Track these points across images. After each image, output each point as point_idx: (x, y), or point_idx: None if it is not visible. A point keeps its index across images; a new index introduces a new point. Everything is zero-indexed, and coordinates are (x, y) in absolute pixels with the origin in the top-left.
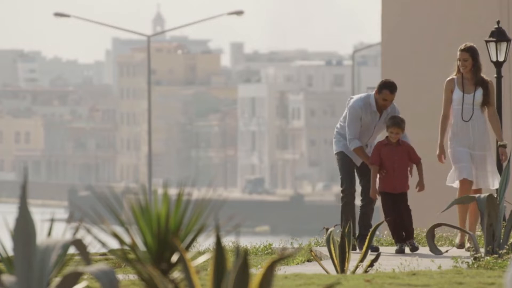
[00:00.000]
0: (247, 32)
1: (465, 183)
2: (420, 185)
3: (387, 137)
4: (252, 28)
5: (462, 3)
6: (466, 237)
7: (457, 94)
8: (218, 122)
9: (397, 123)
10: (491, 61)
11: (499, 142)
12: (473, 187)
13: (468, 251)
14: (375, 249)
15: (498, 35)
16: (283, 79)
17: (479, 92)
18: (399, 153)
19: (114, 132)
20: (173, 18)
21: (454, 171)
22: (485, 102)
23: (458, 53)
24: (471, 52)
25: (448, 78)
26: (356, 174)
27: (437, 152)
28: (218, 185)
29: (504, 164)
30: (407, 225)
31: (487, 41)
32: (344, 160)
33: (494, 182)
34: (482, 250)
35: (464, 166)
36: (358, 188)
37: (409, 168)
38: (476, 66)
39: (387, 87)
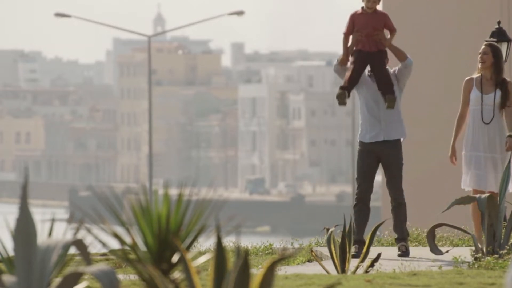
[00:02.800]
0: (248, 32)
1: (476, 192)
2: (385, 41)
3: (362, 7)
4: (252, 28)
5: (463, 3)
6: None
7: (475, 94)
8: (219, 122)
9: None
10: None
11: (508, 132)
12: (493, 190)
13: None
14: (407, 254)
15: (499, 35)
16: (283, 79)
17: (499, 93)
18: (375, 21)
19: (114, 132)
20: (174, 18)
21: (470, 177)
22: (504, 103)
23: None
24: (492, 48)
25: (467, 78)
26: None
27: (449, 153)
28: (218, 185)
29: (505, 164)
30: (383, 80)
31: (487, 41)
32: (360, 156)
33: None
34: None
35: (480, 175)
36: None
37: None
38: (496, 66)
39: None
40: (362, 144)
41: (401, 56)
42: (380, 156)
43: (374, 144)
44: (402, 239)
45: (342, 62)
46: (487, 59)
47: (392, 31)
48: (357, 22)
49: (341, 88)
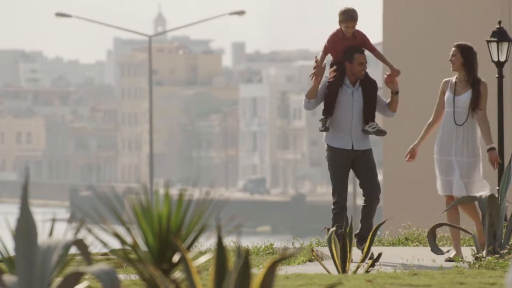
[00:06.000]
0: (248, 32)
1: (448, 198)
2: (393, 70)
3: (342, 31)
4: (253, 28)
5: (463, 3)
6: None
7: (447, 95)
8: (220, 122)
9: (352, 17)
10: (493, 61)
11: (487, 146)
12: (463, 194)
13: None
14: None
15: (500, 35)
16: (284, 79)
17: (468, 94)
18: (356, 44)
19: (115, 132)
20: (175, 18)
21: (438, 183)
22: (474, 105)
23: None
24: (461, 48)
25: (444, 79)
26: (351, 174)
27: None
28: (219, 185)
29: (506, 164)
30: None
31: (488, 41)
32: (334, 162)
33: (483, 189)
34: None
35: (445, 181)
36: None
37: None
38: (467, 65)
39: (359, 51)
40: (332, 149)
41: (394, 107)
42: (354, 162)
43: (345, 150)
44: (364, 239)
45: (311, 96)
46: (456, 61)
47: (373, 50)
48: (339, 47)
49: (324, 118)
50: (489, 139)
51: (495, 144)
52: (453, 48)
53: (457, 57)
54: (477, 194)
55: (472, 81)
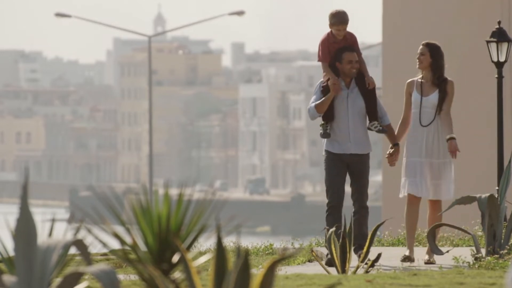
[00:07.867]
0: (248, 32)
1: (412, 198)
2: (367, 80)
3: (333, 34)
4: (253, 28)
5: (463, 3)
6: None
7: (414, 96)
8: (219, 122)
9: (343, 19)
10: (492, 62)
11: (447, 136)
12: (430, 198)
13: (406, 261)
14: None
15: (499, 36)
16: (284, 79)
17: (436, 95)
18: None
19: (115, 132)
20: (174, 18)
21: (407, 184)
22: (441, 104)
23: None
24: (430, 47)
25: (408, 80)
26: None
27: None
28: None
29: (505, 164)
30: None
31: (488, 41)
32: (330, 165)
33: (449, 193)
34: (483, 250)
35: (413, 181)
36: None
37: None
38: (435, 66)
39: (348, 49)
40: (329, 153)
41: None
42: (348, 165)
43: (343, 154)
44: (361, 248)
45: (323, 110)
46: (424, 60)
47: (359, 55)
48: (331, 50)
49: (324, 123)
50: (450, 130)
51: (455, 135)
52: (421, 46)
53: (426, 56)
54: (477, 195)
55: (438, 82)
